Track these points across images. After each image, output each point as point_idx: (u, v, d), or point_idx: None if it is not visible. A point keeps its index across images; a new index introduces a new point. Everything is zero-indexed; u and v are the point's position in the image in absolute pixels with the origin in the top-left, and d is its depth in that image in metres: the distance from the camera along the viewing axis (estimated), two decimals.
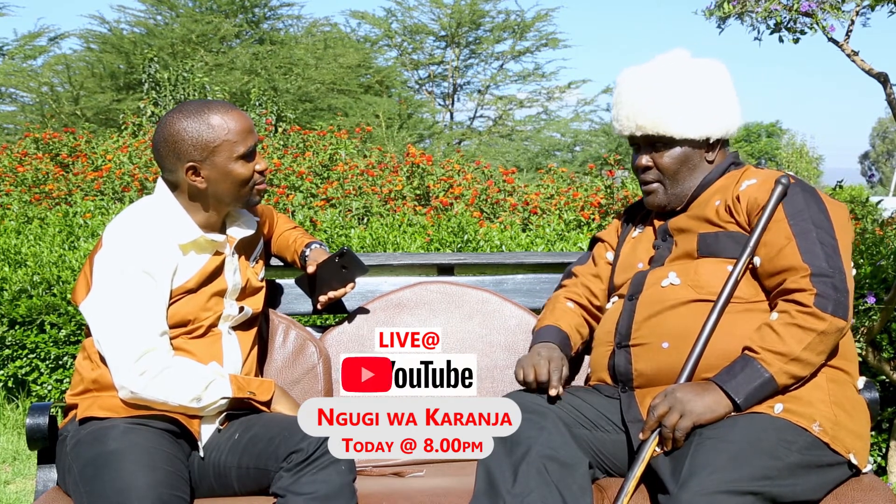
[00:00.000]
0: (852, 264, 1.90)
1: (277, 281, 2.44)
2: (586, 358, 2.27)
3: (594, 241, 2.31)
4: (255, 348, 2.15)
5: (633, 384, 1.96)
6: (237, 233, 2.08)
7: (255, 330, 2.14)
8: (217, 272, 2.03)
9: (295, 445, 1.81)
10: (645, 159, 2.06)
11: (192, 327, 1.98)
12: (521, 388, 2.01)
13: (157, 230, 1.95)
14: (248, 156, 1.98)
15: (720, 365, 1.83)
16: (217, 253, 2.03)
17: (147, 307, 1.89)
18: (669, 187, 2.05)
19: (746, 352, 1.81)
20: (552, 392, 1.94)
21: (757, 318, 1.86)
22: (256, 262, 2.19)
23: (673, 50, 2.08)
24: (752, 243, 1.90)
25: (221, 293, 2.03)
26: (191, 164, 1.94)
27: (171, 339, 1.95)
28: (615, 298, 2.10)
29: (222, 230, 2.08)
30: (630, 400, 1.95)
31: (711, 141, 2.04)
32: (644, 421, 1.86)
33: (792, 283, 1.83)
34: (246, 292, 2.11)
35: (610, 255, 2.23)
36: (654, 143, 2.04)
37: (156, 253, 1.92)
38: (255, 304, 2.13)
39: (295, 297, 2.42)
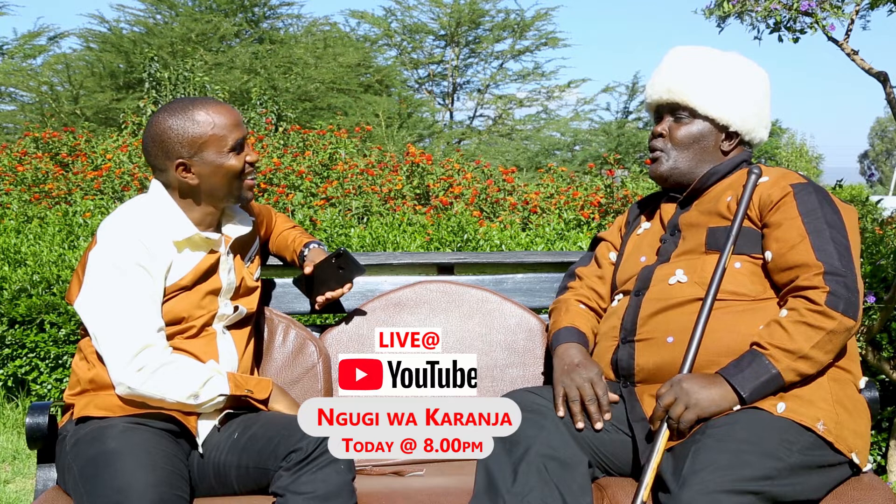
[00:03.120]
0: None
1: (276, 280, 2.44)
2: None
3: (596, 240, 2.31)
4: (251, 347, 2.15)
5: (635, 379, 1.96)
6: (233, 231, 2.08)
7: (249, 329, 2.14)
8: (212, 270, 2.02)
9: (294, 445, 1.81)
10: (661, 127, 2.09)
11: (186, 326, 1.98)
12: (522, 387, 2.01)
13: (152, 226, 1.95)
14: (237, 148, 1.99)
15: (724, 362, 1.83)
16: (212, 251, 2.03)
17: (143, 302, 1.89)
18: (675, 159, 2.06)
19: (755, 347, 1.81)
20: (598, 426, 1.90)
21: (762, 315, 1.87)
22: (252, 262, 2.18)
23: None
24: (734, 230, 1.92)
25: (216, 292, 2.03)
26: (180, 161, 1.95)
27: (166, 338, 1.94)
28: (620, 295, 2.10)
29: (218, 229, 2.08)
30: (632, 397, 1.95)
31: (730, 130, 2.06)
32: (648, 419, 1.87)
33: (804, 280, 1.83)
34: (240, 292, 2.11)
35: (613, 256, 2.22)
36: (676, 114, 2.06)
37: (151, 249, 1.92)
38: (249, 303, 2.13)
39: (294, 297, 2.42)
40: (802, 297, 1.82)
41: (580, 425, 1.91)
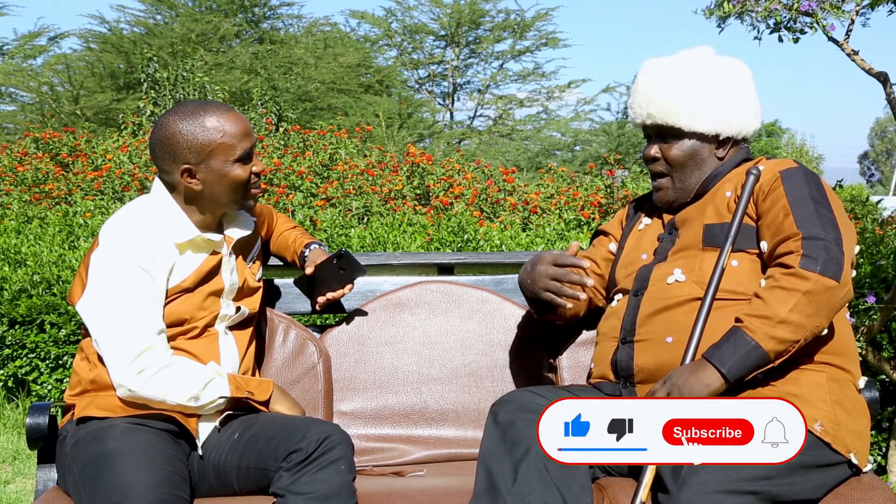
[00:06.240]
0: (856, 251, 1.88)
1: (276, 281, 2.44)
2: (589, 353, 2.27)
3: (597, 233, 2.31)
4: (253, 348, 2.15)
5: (635, 379, 1.96)
6: (235, 233, 2.08)
7: (251, 329, 2.14)
8: (214, 272, 2.02)
9: (294, 445, 1.81)
10: (654, 150, 2.06)
11: (189, 327, 1.98)
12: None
13: (154, 229, 1.95)
14: (245, 158, 1.97)
15: None
16: (214, 252, 2.03)
17: (144, 305, 1.89)
18: (677, 181, 2.05)
19: (735, 323, 1.80)
20: (582, 297, 1.95)
21: None
22: (254, 263, 2.18)
23: (698, 47, 2.09)
24: (733, 230, 1.91)
25: (218, 293, 2.03)
26: (186, 166, 1.94)
27: (168, 339, 1.94)
28: (619, 295, 2.09)
29: (220, 230, 2.07)
30: (632, 396, 1.95)
31: (721, 138, 2.04)
32: None
33: (783, 248, 1.82)
34: (243, 292, 2.11)
35: (613, 247, 2.22)
36: (664, 135, 2.05)
37: (152, 251, 1.92)
38: (251, 304, 2.13)
39: (295, 297, 2.42)
40: (779, 265, 1.81)
41: (570, 305, 1.98)
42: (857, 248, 1.88)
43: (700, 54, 2.06)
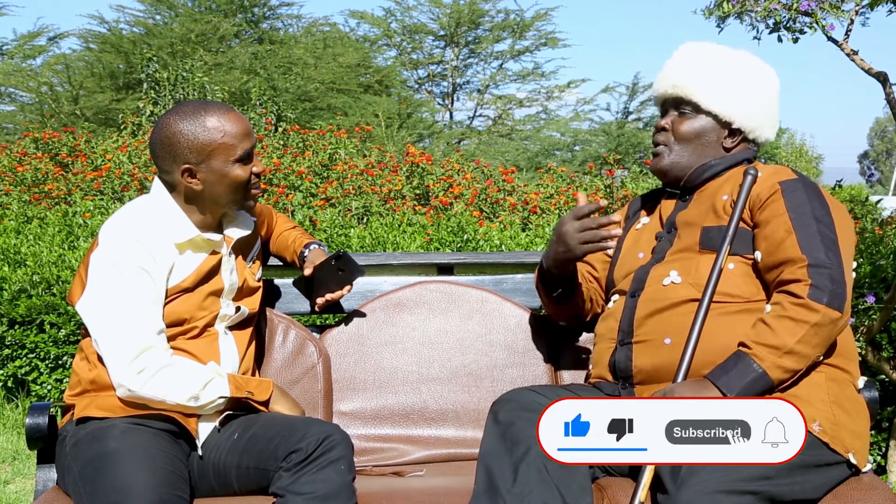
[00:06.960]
0: (854, 264, 1.89)
1: (276, 281, 2.44)
2: (588, 353, 2.27)
3: None
4: (253, 348, 2.15)
5: (633, 381, 1.96)
6: (234, 233, 2.08)
7: (251, 329, 2.14)
8: (213, 272, 2.02)
9: (294, 445, 1.81)
10: (665, 121, 2.09)
11: (188, 327, 1.98)
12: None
13: (154, 228, 1.95)
14: (245, 159, 1.98)
15: (719, 363, 1.83)
16: (214, 252, 2.03)
17: (144, 305, 1.89)
18: (675, 154, 2.07)
19: (741, 347, 1.81)
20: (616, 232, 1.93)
21: (757, 316, 1.86)
22: (253, 262, 2.18)
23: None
24: (730, 233, 1.92)
25: (218, 293, 2.03)
26: (186, 166, 1.94)
27: (168, 339, 1.94)
28: (616, 296, 2.10)
29: (219, 230, 2.07)
30: (631, 397, 1.95)
31: (733, 126, 2.05)
32: None
33: (788, 274, 1.82)
34: (243, 292, 2.11)
35: (610, 251, 2.22)
36: (680, 108, 2.07)
37: (152, 251, 1.92)
38: (251, 304, 2.13)
39: (294, 297, 2.42)
40: (785, 292, 1.81)
41: (611, 244, 1.94)
42: (854, 264, 1.90)
43: (737, 50, 2.10)
